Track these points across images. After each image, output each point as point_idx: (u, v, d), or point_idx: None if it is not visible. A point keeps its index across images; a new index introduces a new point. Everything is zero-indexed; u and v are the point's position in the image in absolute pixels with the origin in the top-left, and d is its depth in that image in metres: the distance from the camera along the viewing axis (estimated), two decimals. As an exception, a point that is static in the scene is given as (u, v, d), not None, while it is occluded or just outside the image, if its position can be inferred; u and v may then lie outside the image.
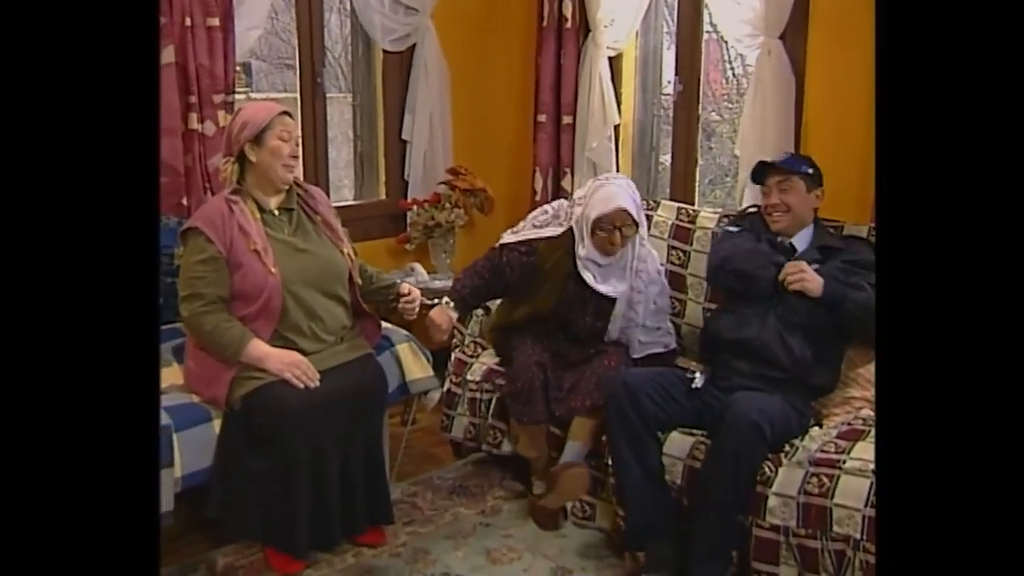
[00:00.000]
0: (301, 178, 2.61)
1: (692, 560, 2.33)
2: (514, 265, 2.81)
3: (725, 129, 6.35)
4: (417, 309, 2.70)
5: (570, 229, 2.77)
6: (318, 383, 2.35)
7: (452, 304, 2.75)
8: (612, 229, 2.66)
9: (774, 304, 2.54)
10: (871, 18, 2.66)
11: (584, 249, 2.72)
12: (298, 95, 3.64)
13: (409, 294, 2.69)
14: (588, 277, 2.72)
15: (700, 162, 3.72)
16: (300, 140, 2.56)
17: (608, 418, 2.49)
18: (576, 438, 2.64)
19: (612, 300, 2.76)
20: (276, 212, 2.49)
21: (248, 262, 2.35)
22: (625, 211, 2.66)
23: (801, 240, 2.63)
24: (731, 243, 2.72)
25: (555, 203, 3.03)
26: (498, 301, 3.02)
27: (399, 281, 2.76)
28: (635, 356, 2.81)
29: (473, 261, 2.96)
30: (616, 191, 2.70)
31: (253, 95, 7.88)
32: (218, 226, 2.36)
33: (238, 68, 3.23)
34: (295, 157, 2.48)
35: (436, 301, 2.81)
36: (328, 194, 3.66)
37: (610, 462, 2.51)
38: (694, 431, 2.47)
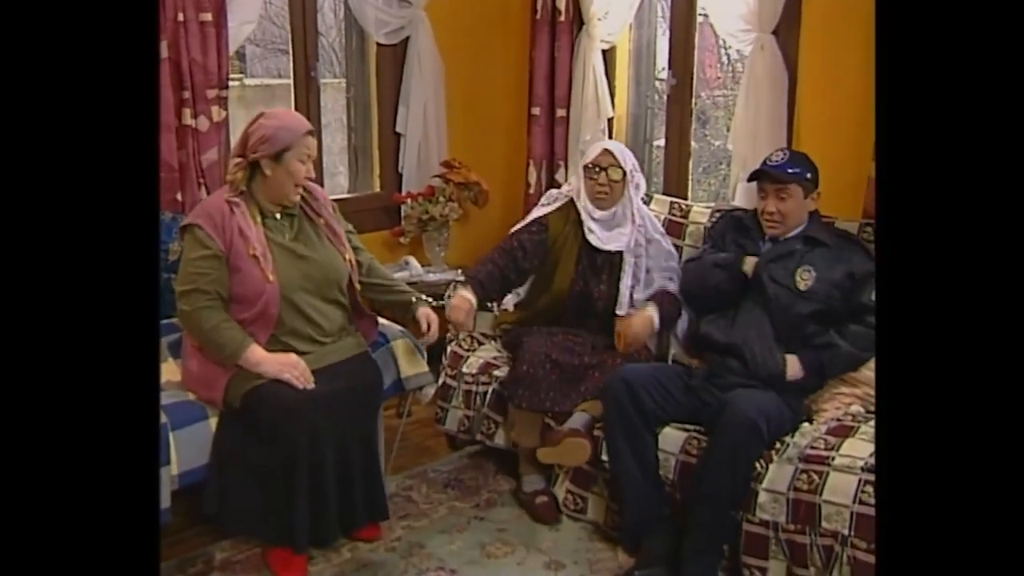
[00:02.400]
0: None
1: (685, 554, 2.36)
2: (527, 246, 2.86)
3: (720, 115, 6.36)
4: (436, 333, 2.65)
5: (572, 200, 2.91)
6: (313, 385, 2.36)
7: (469, 287, 2.71)
8: (599, 171, 2.82)
9: (756, 307, 2.55)
10: (864, 13, 2.71)
11: (584, 207, 2.85)
12: (291, 81, 3.64)
13: (428, 329, 2.62)
14: (594, 239, 2.83)
15: (695, 146, 3.74)
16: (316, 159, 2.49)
17: (606, 413, 2.51)
18: (585, 410, 2.65)
19: (619, 262, 2.85)
20: (278, 216, 2.47)
21: (246, 267, 2.35)
22: (609, 151, 2.84)
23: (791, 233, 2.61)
24: (689, 272, 2.81)
25: (564, 187, 3.12)
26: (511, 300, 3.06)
27: (415, 300, 2.67)
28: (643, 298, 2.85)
29: (492, 250, 2.96)
30: (605, 141, 2.96)
31: (247, 81, 7.85)
32: (219, 225, 2.35)
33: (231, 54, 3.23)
34: (309, 178, 2.44)
35: (441, 301, 2.77)
36: (322, 182, 3.69)
37: (606, 457, 2.53)
38: (687, 426, 2.50)
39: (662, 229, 3.00)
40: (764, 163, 2.61)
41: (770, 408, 2.36)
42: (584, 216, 2.86)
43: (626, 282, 2.84)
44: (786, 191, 2.55)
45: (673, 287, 2.86)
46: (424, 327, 2.62)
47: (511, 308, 3.07)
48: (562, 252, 2.88)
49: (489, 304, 3.04)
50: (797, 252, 2.56)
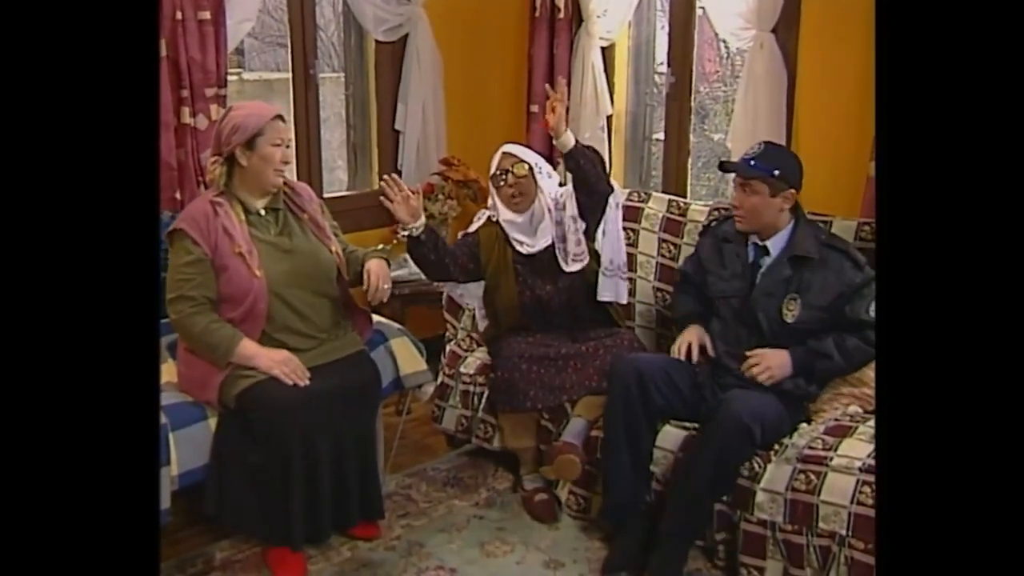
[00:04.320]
0: (294, 165, 2.57)
1: (659, 538, 2.37)
2: (461, 248, 2.89)
3: (719, 109, 6.35)
4: (385, 291, 2.51)
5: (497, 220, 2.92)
6: (308, 381, 2.36)
7: (405, 233, 2.69)
8: (504, 175, 2.84)
9: (750, 316, 2.52)
10: (863, 11, 2.70)
11: (504, 219, 2.87)
12: (290, 76, 3.63)
13: (374, 286, 2.48)
14: (524, 248, 2.85)
15: (693, 140, 3.74)
16: (292, 143, 2.49)
17: (611, 401, 2.50)
18: (581, 414, 2.67)
19: (555, 258, 2.85)
20: (262, 212, 2.48)
21: (233, 265, 2.35)
22: (507, 153, 2.87)
23: (776, 244, 2.51)
24: (681, 301, 2.79)
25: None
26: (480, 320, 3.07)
27: (366, 254, 2.59)
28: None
29: None
30: (503, 147, 2.92)
31: (245, 75, 7.83)
32: (203, 227, 2.36)
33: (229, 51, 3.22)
34: (287, 163, 2.46)
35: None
36: (321, 176, 3.69)
37: (601, 441, 2.54)
38: (687, 424, 2.51)
39: (558, 190, 2.94)
40: (742, 157, 2.53)
41: (766, 411, 2.35)
42: (508, 228, 2.88)
43: (560, 249, 2.84)
44: (750, 186, 2.45)
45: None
46: (367, 279, 2.48)
47: (481, 329, 3.08)
48: (499, 270, 2.88)
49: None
50: (784, 280, 2.47)
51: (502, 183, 2.86)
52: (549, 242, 2.86)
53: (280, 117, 2.46)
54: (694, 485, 2.33)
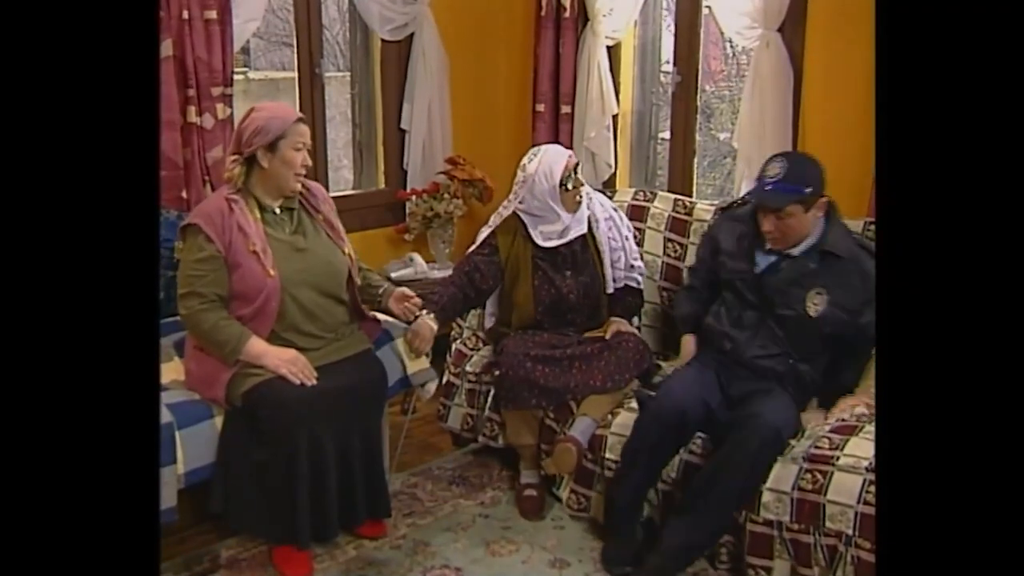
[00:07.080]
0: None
1: (675, 545, 2.37)
2: (482, 268, 2.86)
3: (724, 108, 6.35)
4: (416, 311, 2.68)
5: (513, 213, 2.89)
6: (315, 381, 2.36)
7: (432, 316, 2.74)
8: (572, 176, 2.80)
9: (762, 311, 2.52)
10: (870, 11, 2.68)
11: (549, 224, 2.83)
12: (296, 74, 3.64)
13: (412, 299, 2.66)
14: (549, 242, 2.84)
15: (699, 139, 3.74)
16: (311, 148, 2.50)
17: (643, 429, 2.47)
18: (587, 413, 2.66)
19: (580, 248, 2.87)
20: (277, 211, 2.48)
21: (247, 263, 2.35)
22: (571, 155, 2.88)
23: (802, 246, 2.46)
24: (680, 300, 2.84)
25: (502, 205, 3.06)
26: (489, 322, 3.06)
27: (386, 287, 2.73)
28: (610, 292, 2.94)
29: (452, 271, 3.02)
30: (557, 149, 2.90)
31: (251, 74, 7.86)
32: (217, 224, 2.36)
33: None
34: (306, 166, 2.45)
35: (419, 314, 2.76)
36: (327, 175, 3.70)
37: (616, 471, 2.53)
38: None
39: (611, 203, 3.03)
40: (761, 179, 2.43)
41: (789, 414, 2.38)
42: (545, 229, 2.84)
43: (607, 263, 2.89)
44: (784, 211, 2.38)
45: (636, 270, 2.98)
46: (402, 310, 2.66)
47: (488, 328, 3.06)
48: (518, 267, 2.87)
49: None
50: (810, 272, 2.44)
51: (571, 188, 2.80)
52: (578, 233, 2.85)
53: (302, 119, 2.45)
54: (722, 498, 2.31)
